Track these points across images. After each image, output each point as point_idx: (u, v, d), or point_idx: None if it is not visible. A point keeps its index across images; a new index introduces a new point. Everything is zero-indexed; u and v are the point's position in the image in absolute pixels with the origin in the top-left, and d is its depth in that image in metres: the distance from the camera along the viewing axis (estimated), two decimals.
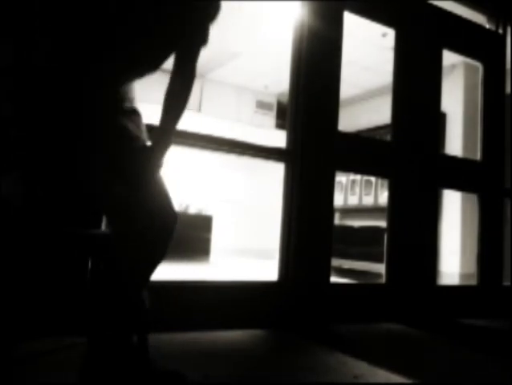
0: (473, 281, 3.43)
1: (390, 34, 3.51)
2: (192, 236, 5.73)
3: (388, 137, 3.14)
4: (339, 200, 6.86)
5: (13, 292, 1.80)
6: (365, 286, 3.29)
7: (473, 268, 3.58)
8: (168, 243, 1.37)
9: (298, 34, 2.71)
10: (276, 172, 2.83)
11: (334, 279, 2.86)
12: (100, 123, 1.28)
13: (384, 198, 5.79)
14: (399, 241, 2.98)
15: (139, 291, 1.41)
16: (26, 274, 1.84)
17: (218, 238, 6.10)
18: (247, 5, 4.62)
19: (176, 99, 1.37)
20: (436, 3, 3.29)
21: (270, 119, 8.11)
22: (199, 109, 7.30)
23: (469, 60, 4.66)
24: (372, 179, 6.58)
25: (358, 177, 6.86)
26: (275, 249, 2.65)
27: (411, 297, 2.97)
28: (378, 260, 4.56)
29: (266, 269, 3.13)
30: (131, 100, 1.39)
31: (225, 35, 5.59)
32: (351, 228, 6.52)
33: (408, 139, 3.07)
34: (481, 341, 2.58)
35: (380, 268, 3.39)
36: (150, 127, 1.47)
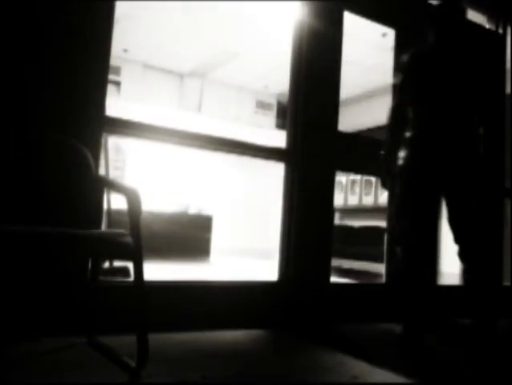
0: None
1: (390, 34, 3.50)
2: (192, 236, 5.73)
3: None
4: (339, 200, 6.87)
5: (13, 292, 1.80)
6: (365, 286, 3.29)
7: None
8: None
9: (298, 34, 2.71)
10: (276, 171, 2.83)
11: (334, 279, 2.86)
12: None
13: (384, 198, 5.78)
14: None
15: None
16: (25, 274, 1.84)
17: (218, 238, 6.09)
18: (247, 5, 4.63)
19: None
20: (436, 3, 3.28)
21: (270, 119, 8.11)
22: (199, 109, 7.30)
23: None
24: (372, 179, 6.57)
25: (358, 177, 6.86)
26: (275, 249, 2.65)
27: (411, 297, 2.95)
28: (378, 260, 4.56)
29: (265, 269, 3.13)
30: None
31: (225, 35, 5.60)
32: (351, 228, 6.52)
33: None
34: (482, 341, 2.57)
35: (380, 268, 3.38)
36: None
